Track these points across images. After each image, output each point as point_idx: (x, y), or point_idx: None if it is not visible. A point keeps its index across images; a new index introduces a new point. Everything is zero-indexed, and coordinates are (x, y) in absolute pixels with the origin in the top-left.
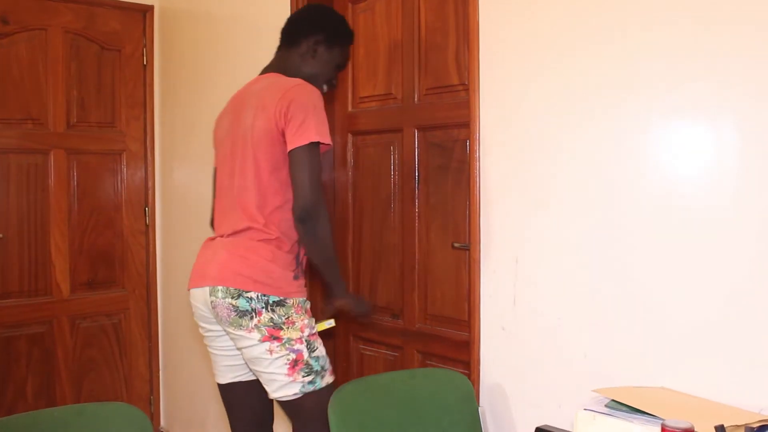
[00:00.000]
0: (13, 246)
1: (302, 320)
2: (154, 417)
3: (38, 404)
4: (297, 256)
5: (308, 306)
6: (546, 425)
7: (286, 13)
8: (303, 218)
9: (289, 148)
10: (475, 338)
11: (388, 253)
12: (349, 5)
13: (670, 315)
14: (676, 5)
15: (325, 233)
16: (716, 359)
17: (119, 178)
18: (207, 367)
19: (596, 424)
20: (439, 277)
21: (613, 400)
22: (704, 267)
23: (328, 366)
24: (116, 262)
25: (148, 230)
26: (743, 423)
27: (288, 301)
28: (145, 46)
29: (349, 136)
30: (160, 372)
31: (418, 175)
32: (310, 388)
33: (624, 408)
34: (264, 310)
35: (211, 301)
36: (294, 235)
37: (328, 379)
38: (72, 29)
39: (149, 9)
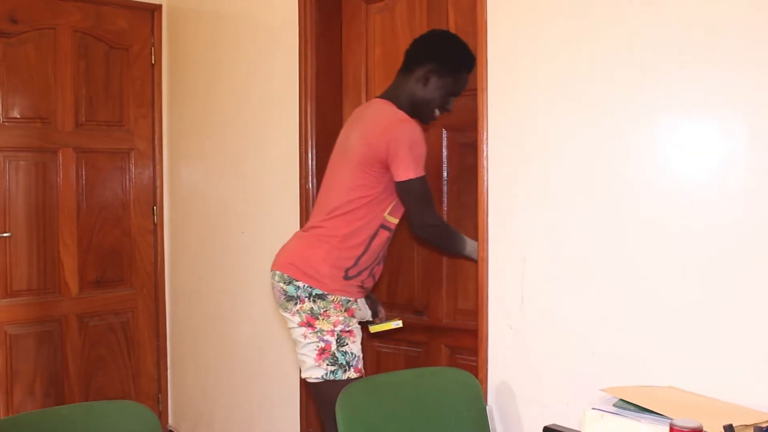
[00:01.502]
0: (21, 244)
1: (338, 316)
2: (162, 415)
3: (47, 402)
4: (357, 261)
5: (352, 306)
6: (554, 424)
7: (293, 12)
8: (417, 235)
9: (395, 180)
10: (483, 337)
11: (410, 252)
12: (363, 5)
13: (678, 314)
14: (683, 3)
15: (440, 240)
16: (725, 358)
17: (127, 176)
18: (215, 366)
19: (604, 423)
20: (468, 273)
21: (621, 400)
22: (712, 266)
23: (355, 363)
24: (124, 260)
25: (156, 229)
26: (752, 422)
27: (329, 296)
28: (153, 44)
29: None
30: (168, 370)
31: (447, 175)
32: (332, 377)
33: (632, 407)
34: (307, 299)
35: (272, 283)
36: (355, 242)
37: (352, 374)
38: (80, 28)
39: (157, 8)
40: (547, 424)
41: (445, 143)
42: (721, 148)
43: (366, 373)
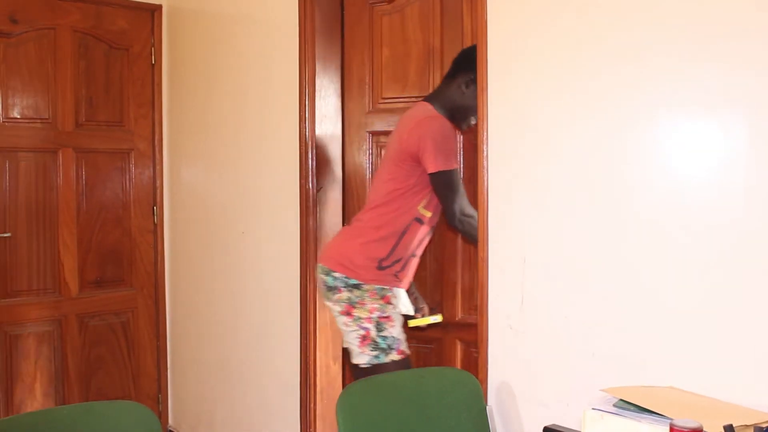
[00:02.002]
0: (21, 244)
1: (373, 303)
2: (162, 415)
3: (46, 402)
4: (391, 252)
5: (387, 293)
6: (554, 424)
7: (294, 12)
8: (454, 227)
9: (428, 172)
10: (483, 337)
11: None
12: (369, 7)
13: (678, 314)
14: (683, 1)
15: (477, 231)
16: (725, 358)
17: (127, 176)
18: (215, 366)
19: (604, 423)
20: None
21: (621, 400)
22: (712, 266)
23: (396, 346)
24: (124, 260)
25: (156, 229)
26: (752, 423)
27: (365, 285)
28: (153, 45)
29: (367, 135)
30: (168, 370)
31: (462, 173)
32: (376, 361)
33: (632, 407)
34: (344, 288)
35: (316, 275)
36: (387, 233)
37: (395, 356)
38: (80, 28)
39: (157, 8)
40: (547, 424)
41: (461, 144)
42: (722, 148)
43: None
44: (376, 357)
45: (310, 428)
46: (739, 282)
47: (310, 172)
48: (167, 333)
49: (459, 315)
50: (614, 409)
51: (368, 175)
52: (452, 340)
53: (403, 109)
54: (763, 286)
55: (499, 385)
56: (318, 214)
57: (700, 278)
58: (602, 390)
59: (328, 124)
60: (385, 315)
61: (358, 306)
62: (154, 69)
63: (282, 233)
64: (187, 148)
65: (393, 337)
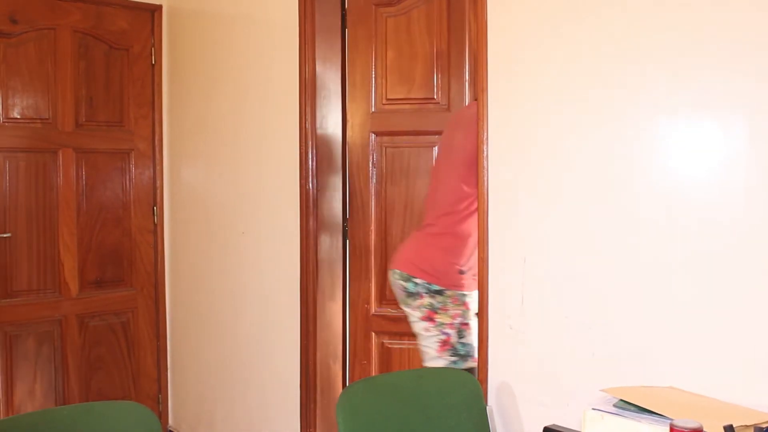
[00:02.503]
0: (21, 245)
1: (456, 309)
2: (163, 416)
3: (47, 403)
4: (470, 256)
5: (467, 299)
6: (554, 425)
7: (294, 12)
8: None
9: None
10: (483, 337)
11: None
12: (373, 8)
13: (679, 314)
14: (684, 4)
15: None
16: (725, 359)
17: (127, 177)
18: (215, 366)
19: (604, 423)
20: None
21: (621, 400)
22: (713, 266)
23: (473, 353)
24: (124, 260)
25: (156, 229)
26: (752, 423)
27: (447, 291)
28: (153, 45)
29: (371, 135)
30: (168, 371)
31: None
32: (453, 366)
33: (632, 408)
34: (426, 294)
35: (391, 281)
36: (465, 239)
37: (471, 364)
38: (80, 29)
39: (157, 8)
40: (547, 424)
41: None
42: (722, 149)
43: (376, 369)
44: (454, 363)
45: (310, 428)
46: (740, 282)
47: (310, 173)
48: (167, 333)
49: None
50: (614, 410)
51: (372, 175)
52: None
53: (410, 111)
54: (763, 286)
55: (499, 385)
56: (318, 214)
57: (700, 278)
58: (602, 390)
59: (328, 124)
60: (465, 321)
61: (440, 312)
62: (154, 69)
63: (282, 233)
64: (187, 149)
65: (470, 344)
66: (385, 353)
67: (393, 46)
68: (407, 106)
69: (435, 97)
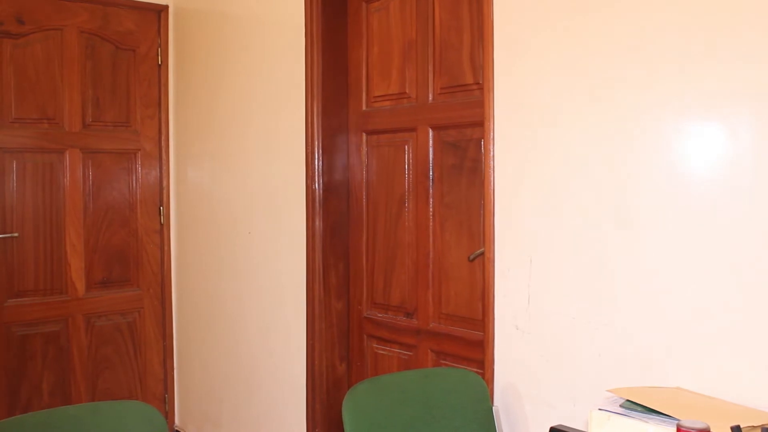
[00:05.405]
0: (28, 245)
1: None
2: (169, 415)
3: (53, 402)
4: None
5: None
6: (560, 425)
7: (300, 12)
8: None
9: None
10: (489, 338)
11: (402, 252)
12: (363, 4)
13: (685, 315)
14: (691, 2)
15: None
16: (732, 359)
17: (134, 177)
18: (222, 366)
19: (611, 424)
20: (453, 276)
21: (627, 400)
22: (720, 266)
23: None
24: (131, 260)
25: (162, 229)
26: (759, 424)
27: None
28: (159, 45)
29: (363, 135)
30: (175, 370)
31: (433, 175)
32: None
33: (639, 408)
34: None
35: None
36: None
37: None
38: (87, 29)
39: (164, 9)
40: (553, 424)
41: (431, 142)
42: (727, 147)
43: (363, 374)
44: None
45: (316, 428)
46: (746, 282)
47: (317, 173)
48: (173, 333)
49: (430, 323)
50: (621, 410)
51: (364, 176)
52: (424, 349)
53: (389, 108)
54: None
55: (505, 386)
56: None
57: (706, 279)
58: (609, 390)
59: (334, 123)
60: None
61: None
62: (161, 69)
63: (289, 234)
64: (193, 149)
65: None
66: (372, 356)
67: (377, 41)
68: (387, 103)
69: (407, 91)
